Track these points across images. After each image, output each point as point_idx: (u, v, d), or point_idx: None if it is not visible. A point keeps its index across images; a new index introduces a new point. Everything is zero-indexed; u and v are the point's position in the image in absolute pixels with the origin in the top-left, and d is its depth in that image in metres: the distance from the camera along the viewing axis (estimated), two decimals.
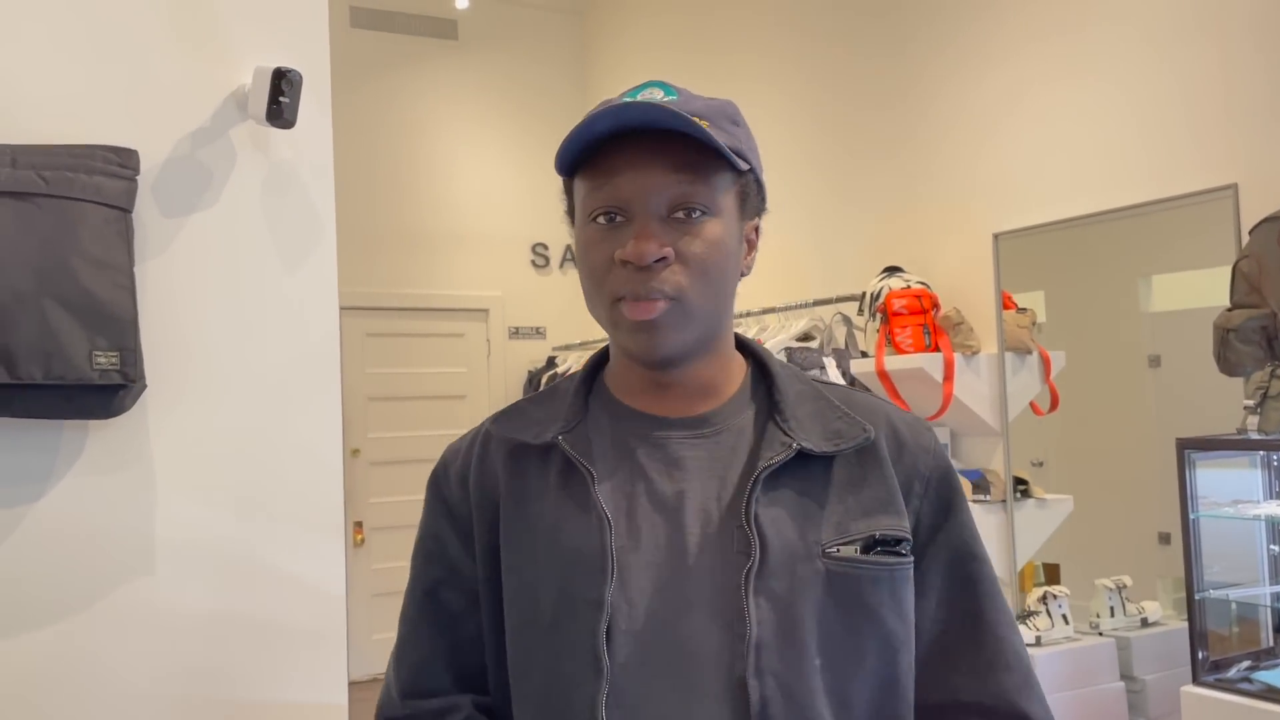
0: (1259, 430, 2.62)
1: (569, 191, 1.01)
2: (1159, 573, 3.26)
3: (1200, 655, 2.63)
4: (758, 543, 0.90)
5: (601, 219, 0.93)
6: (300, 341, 1.63)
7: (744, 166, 0.94)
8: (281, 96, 1.49)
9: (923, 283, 3.66)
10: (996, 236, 3.52)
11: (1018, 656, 0.98)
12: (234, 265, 1.66)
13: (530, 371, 5.95)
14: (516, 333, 6.05)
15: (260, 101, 1.52)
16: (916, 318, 3.58)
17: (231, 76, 1.65)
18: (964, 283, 3.65)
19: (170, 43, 1.65)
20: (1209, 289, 3.15)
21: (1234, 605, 2.77)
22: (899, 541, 0.94)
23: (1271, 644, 2.71)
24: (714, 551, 0.92)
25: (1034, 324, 3.61)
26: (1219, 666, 2.61)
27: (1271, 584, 2.73)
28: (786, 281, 4.49)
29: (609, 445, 0.98)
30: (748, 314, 4.40)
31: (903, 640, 0.94)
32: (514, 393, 5.97)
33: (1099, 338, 3.44)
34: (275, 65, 1.53)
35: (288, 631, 1.69)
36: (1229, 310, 2.72)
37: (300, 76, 1.53)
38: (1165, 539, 3.11)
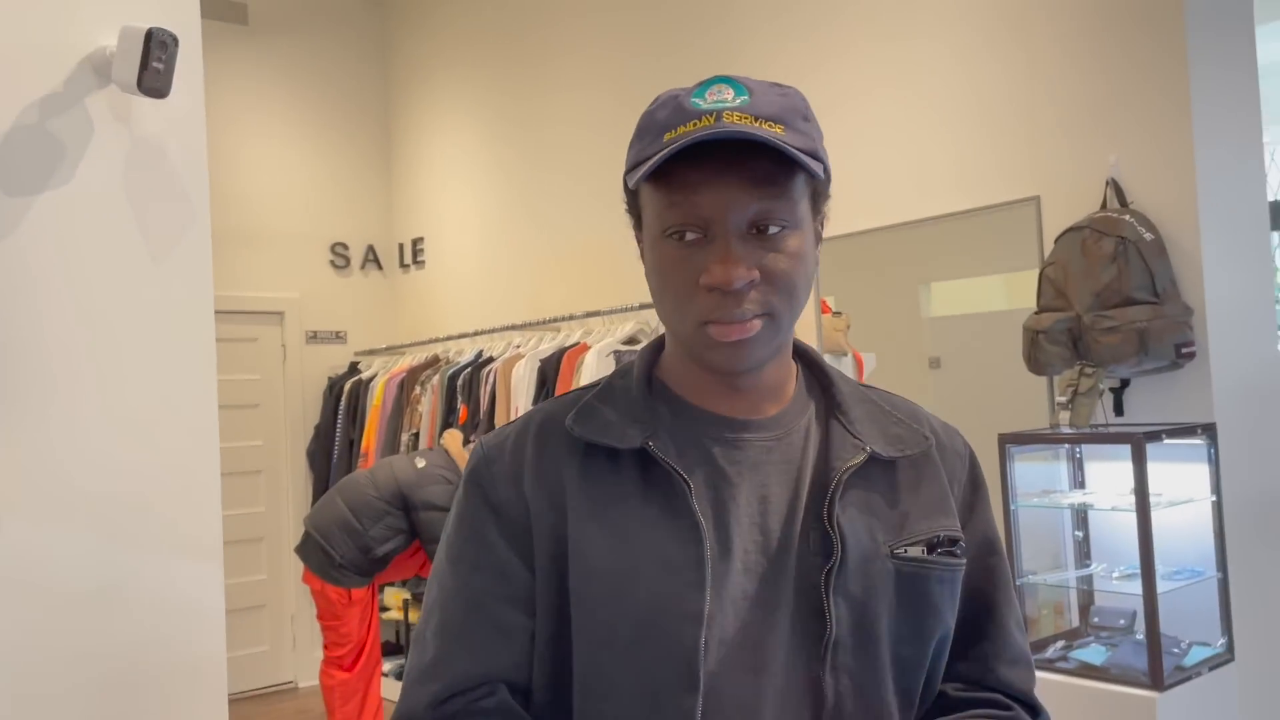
0: (1071, 425, 2.82)
1: (633, 195, 0.97)
2: None
3: None
4: (839, 544, 0.90)
5: (676, 237, 0.90)
6: (170, 340, 1.45)
7: (821, 175, 0.91)
8: (155, 61, 1.31)
9: None
10: None
11: (1023, 654, 1.02)
12: (91, 253, 1.44)
13: (331, 379, 5.66)
14: (315, 337, 5.73)
15: (130, 66, 1.33)
16: None
17: (87, 38, 1.44)
18: None
19: None
20: (982, 295, 3.42)
21: (1038, 588, 2.98)
22: (955, 542, 0.96)
23: (1078, 624, 2.93)
24: (794, 553, 0.92)
25: (848, 327, 3.78)
26: (1037, 648, 2.79)
27: (1076, 568, 2.95)
28: (613, 285, 4.48)
29: (688, 448, 0.94)
30: (570, 318, 4.36)
31: (950, 636, 0.97)
32: (313, 401, 5.65)
33: (891, 340, 3.65)
34: (147, 25, 1.35)
35: (157, 665, 1.49)
36: (1037, 313, 2.92)
37: (176, 39, 1.35)
38: None
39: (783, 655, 0.90)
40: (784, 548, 0.92)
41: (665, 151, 0.86)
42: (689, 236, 0.89)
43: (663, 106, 0.92)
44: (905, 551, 0.93)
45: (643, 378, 0.99)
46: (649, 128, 0.92)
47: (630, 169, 0.93)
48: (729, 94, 0.89)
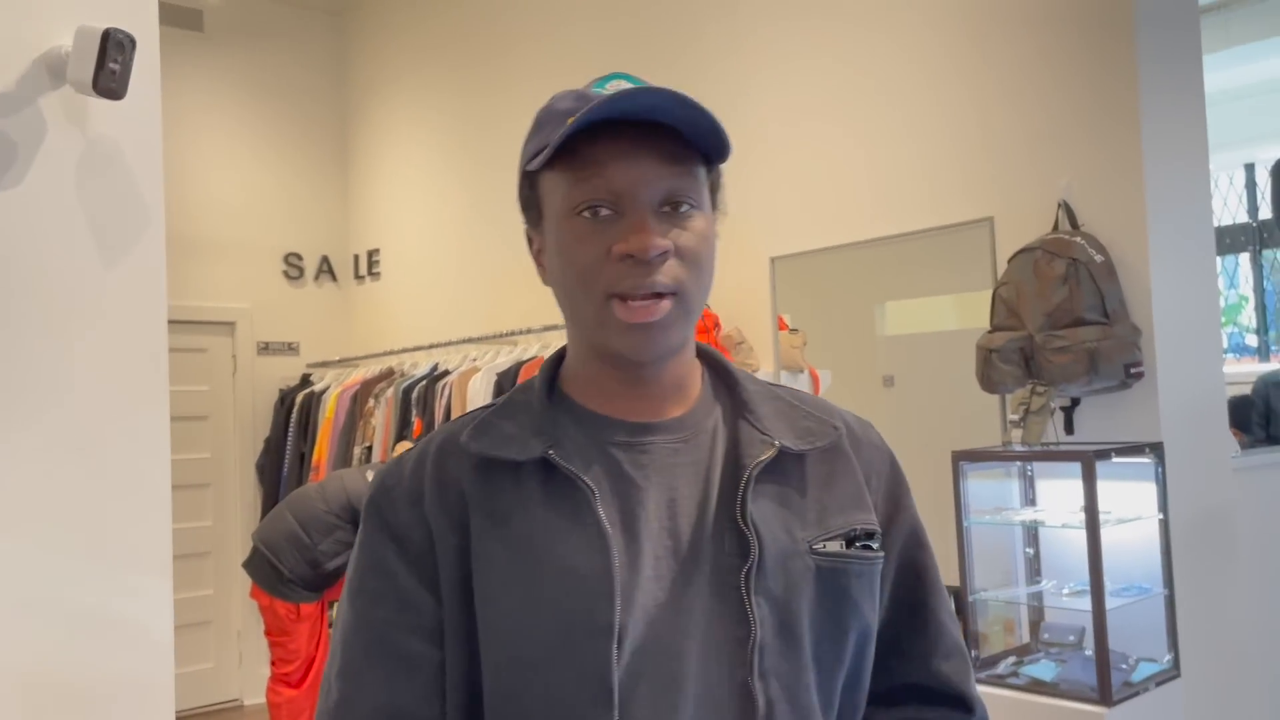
0: (1022, 443, 2.86)
1: (531, 186, 0.94)
2: None
3: (973, 654, 2.82)
4: (756, 542, 0.88)
5: (587, 213, 0.88)
6: (121, 348, 1.41)
7: (727, 158, 0.92)
8: (111, 62, 1.29)
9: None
10: (774, 260, 3.68)
11: (957, 645, 1.02)
12: (41, 257, 1.40)
13: (282, 390, 5.58)
14: (266, 348, 5.66)
15: (85, 66, 1.30)
16: (700, 337, 3.66)
17: (41, 37, 1.40)
18: (743, 304, 3.78)
19: None
20: (936, 315, 3.47)
21: (989, 605, 3.01)
22: (872, 535, 0.94)
23: (1028, 640, 2.96)
24: (708, 556, 0.89)
25: (804, 344, 3.80)
26: (987, 664, 2.81)
27: (1027, 585, 2.99)
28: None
29: (592, 456, 0.91)
30: (528, 331, 4.34)
31: (872, 634, 0.95)
32: (263, 413, 5.57)
33: (846, 358, 3.69)
34: (104, 26, 1.32)
35: (103, 682, 1.45)
36: (990, 332, 2.96)
37: (133, 40, 1.33)
38: None
39: (701, 664, 0.87)
40: (695, 551, 0.89)
41: (578, 117, 0.84)
42: (602, 213, 0.87)
43: (563, 99, 0.92)
44: (824, 547, 0.91)
45: (544, 389, 0.96)
46: (550, 118, 0.91)
47: (531, 158, 0.91)
48: (625, 87, 0.89)
